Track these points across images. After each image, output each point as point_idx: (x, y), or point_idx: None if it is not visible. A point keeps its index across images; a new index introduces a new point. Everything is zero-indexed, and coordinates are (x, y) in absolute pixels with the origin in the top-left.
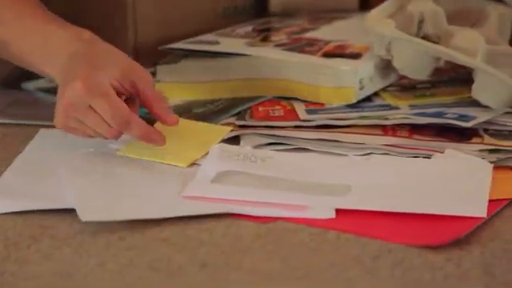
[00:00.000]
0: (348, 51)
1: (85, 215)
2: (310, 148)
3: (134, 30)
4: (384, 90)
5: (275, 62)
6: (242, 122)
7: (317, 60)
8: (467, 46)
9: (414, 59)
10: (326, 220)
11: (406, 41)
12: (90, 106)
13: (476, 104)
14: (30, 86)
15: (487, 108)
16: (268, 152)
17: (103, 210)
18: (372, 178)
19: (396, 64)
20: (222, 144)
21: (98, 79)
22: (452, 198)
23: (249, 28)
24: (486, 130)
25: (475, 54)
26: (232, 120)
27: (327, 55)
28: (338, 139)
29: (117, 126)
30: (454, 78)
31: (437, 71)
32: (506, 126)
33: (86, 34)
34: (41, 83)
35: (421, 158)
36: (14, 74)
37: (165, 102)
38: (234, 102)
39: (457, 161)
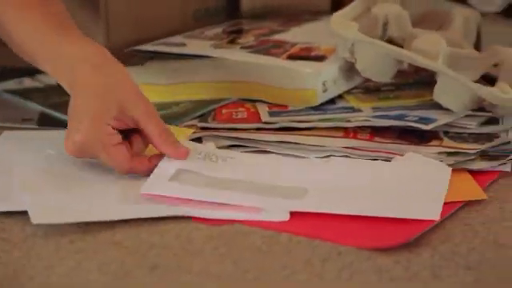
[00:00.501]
0: (313, 53)
1: (36, 218)
2: (271, 150)
3: (105, 32)
4: (349, 92)
5: (239, 65)
6: (204, 124)
7: (280, 62)
8: (429, 49)
9: (376, 61)
10: (280, 222)
11: (367, 43)
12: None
13: (438, 107)
14: None
15: (448, 111)
16: (230, 152)
17: (55, 212)
18: (329, 180)
19: (359, 66)
20: (184, 141)
21: (96, 134)
22: (407, 201)
23: (218, 30)
24: (446, 133)
25: (437, 57)
26: (195, 122)
27: (292, 57)
28: (298, 141)
29: (121, 173)
30: (419, 81)
31: (402, 74)
32: (466, 128)
33: (97, 52)
34: (9, 85)
35: (380, 161)
36: None
37: (168, 135)
38: (198, 104)
39: (416, 163)
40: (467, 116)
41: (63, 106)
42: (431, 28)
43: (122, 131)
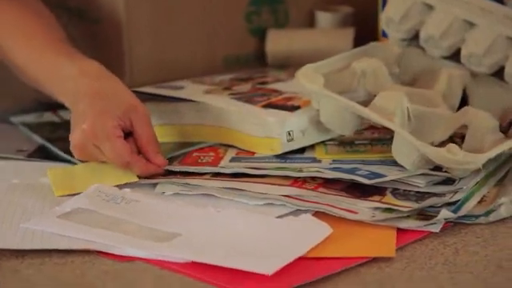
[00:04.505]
0: (289, 103)
1: None
2: (216, 195)
3: (130, 76)
4: (323, 143)
5: (215, 110)
6: None
7: (251, 109)
8: (385, 106)
9: (336, 115)
10: (182, 264)
11: (327, 96)
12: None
13: (396, 164)
14: (15, 119)
15: (404, 168)
16: (139, 196)
17: None
18: (207, 229)
19: (322, 118)
20: (99, 185)
21: (102, 124)
22: (254, 254)
23: (227, 77)
24: (395, 190)
25: (393, 114)
26: None
27: (268, 106)
28: (243, 188)
29: (119, 166)
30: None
31: (381, 130)
32: (414, 186)
33: (93, 67)
34: (29, 118)
35: (270, 217)
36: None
37: (156, 144)
38: (178, 146)
39: (298, 223)
40: (421, 174)
41: (63, 141)
42: (424, 87)
43: None
